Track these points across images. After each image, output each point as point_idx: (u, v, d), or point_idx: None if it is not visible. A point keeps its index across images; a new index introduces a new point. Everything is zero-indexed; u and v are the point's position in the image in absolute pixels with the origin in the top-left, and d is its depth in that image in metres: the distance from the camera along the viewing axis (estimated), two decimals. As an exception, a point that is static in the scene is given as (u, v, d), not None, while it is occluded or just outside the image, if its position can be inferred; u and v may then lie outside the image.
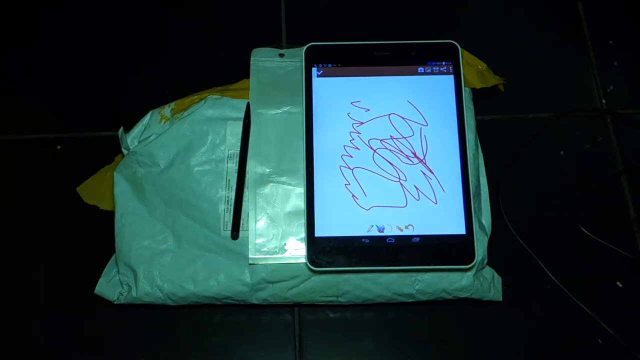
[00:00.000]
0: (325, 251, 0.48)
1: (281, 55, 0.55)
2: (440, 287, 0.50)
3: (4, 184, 0.57)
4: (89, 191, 0.56)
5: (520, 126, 0.59)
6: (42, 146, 0.58)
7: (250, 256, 0.49)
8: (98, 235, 0.54)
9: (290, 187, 0.51)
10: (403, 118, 0.52)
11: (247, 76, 0.54)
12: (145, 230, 0.51)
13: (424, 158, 0.51)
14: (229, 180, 0.51)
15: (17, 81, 0.61)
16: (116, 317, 0.52)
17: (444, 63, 0.53)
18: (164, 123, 0.53)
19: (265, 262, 0.49)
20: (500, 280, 0.52)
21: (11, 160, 0.58)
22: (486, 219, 0.53)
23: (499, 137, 0.58)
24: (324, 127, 0.51)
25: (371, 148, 0.51)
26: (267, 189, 0.51)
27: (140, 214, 0.51)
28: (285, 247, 0.49)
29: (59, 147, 0.58)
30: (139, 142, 0.53)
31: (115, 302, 0.51)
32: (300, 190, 0.50)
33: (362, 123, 0.51)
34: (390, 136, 0.51)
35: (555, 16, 0.64)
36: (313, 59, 0.53)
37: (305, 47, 0.53)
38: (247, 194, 0.51)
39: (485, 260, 0.51)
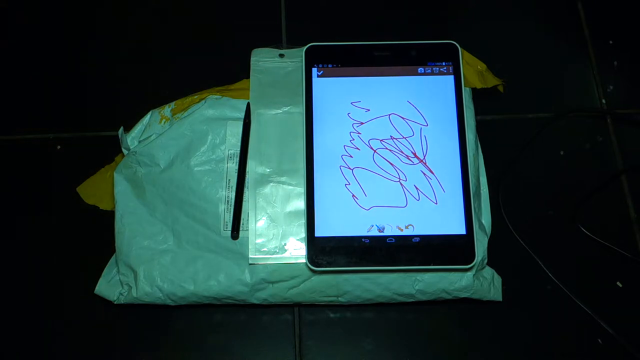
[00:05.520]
0: (325, 251, 0.48)
1: (281, 55, 0.55)
2: (440, 287, 0.50)
3: (4, 184, 0.57)
4: (89, 191, 0.56)
5: (520, 126, 0.59)
6: (42, 146, 0.58)
7: (250, 256, 0.49)
8: (98, 235, 0.54)
9: (290, 187, 0.51)
10: (403, 118, 0.52)
11: (247, 76, 0.54)
12: (145, 230, 0.51)
13: (424, 158, 0.51)
14: (229, 180, 0.51)
15: (17, 81, 0.61)
16: (116, 317, 0.52)
17: (444, 63, 0.53)
18: (164, 123, 0.53)
19: (265, 262, 0.49)
20: (500, 280, 0.52)
21: (11, 160, 0.58)
22: (486, 219, 0.53)
23: (499, 137, 0.58)
24: (324, 127, 0.51)
25: (371, 148, 0.51)
26: (267, 189, 0.51)
27: (140, 214, 0.51)
28: (285, 247, 0.49)
29: (59, 147, 0.58)
30: (139, 142, 0.53)
31: (115, 302, 0.51)
32: (300, 190, 0.50)
33: (362, 123, 0.51)
34: (391, 136, 0.51)
35: (555, 16, 0.64)
36: (313, 59, 0.53)
37: (305, 47, 0.53)
38: (247, 194, 0.51)
39: (485, 260, 0.51)
